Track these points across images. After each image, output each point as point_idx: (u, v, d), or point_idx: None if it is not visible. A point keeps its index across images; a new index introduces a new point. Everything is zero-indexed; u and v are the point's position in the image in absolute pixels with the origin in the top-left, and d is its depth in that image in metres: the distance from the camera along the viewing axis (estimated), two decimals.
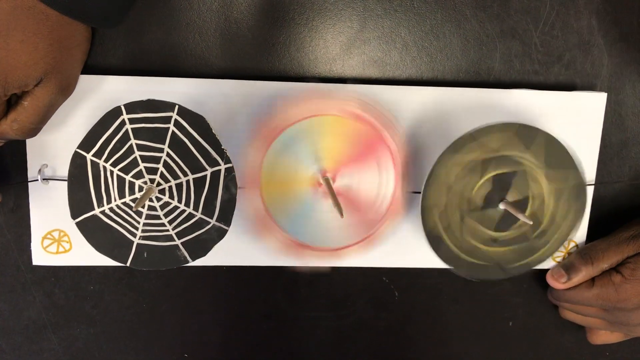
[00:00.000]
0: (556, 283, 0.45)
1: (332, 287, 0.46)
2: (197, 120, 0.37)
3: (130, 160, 0.38)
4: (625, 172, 0.46)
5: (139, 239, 0.39)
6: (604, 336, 0.47)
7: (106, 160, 0.38)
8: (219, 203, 0.39)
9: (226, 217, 0.39)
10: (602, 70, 0.45)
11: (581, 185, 0.42)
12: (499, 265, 0.42)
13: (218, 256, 0.43)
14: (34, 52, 0.34)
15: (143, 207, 0.39)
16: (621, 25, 0.44)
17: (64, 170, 0.41)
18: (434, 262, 0.43)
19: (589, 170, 0.45)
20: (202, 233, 0.39)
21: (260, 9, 0.41)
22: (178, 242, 0.39)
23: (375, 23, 0.42)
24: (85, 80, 0.40)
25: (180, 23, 0.41)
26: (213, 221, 0.39)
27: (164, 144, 0.38)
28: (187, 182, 0.39)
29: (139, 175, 0.38)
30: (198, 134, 0.38)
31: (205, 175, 0.38)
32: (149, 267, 0.40)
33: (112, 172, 0.38)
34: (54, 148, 0.41)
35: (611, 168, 0.46)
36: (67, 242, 0.42)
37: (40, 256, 0.42)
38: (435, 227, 0.41)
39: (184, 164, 0.38)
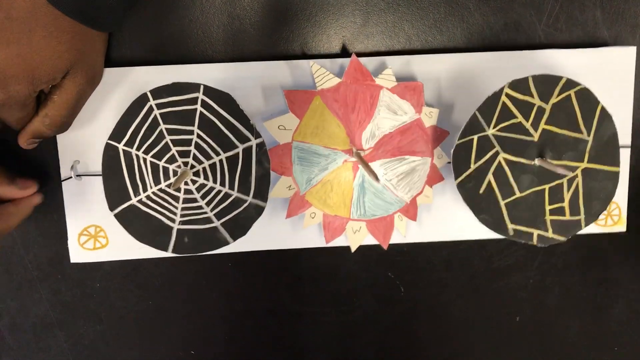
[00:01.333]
0: None
1: (336, 283, 0.46)
2: (223, 98, 0.37)
3: (162, 146, 0.38)
4: None
5: (178, 224, 0.39)
6: None
7: (138, 149, 0.38)
8: (254, 180, 0.39)
9: (262, 193, 0.39)
10: None
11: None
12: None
13: (253, 241, 0.43)
14: (57, 46, 0.34)
15: (179, 191, 0.39)
16: (626, 18, 0.44)
17: (95, 165, 0.41)
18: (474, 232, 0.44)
19: (624, 132, 0.44)
20: (240, 212, 0.39)
21: (263, 6, 0.41)
22: (217, 223, 0.39)
23: (378, 17, 0.42)
24: (108, 73, 0.40)
25: (183, 20, 0.41)
26: (250, 198, 0.39)
27: (193, 125, 0.38)
28: (220, 161, 0.39)
29: (172, 160, 0.38)
30: (226, 112, 0.38)
31: (238, 153, 0.38)
32: (192, 252, 0.39)
33: (145, 160, 0.39)
34: (84, 144, 0.41)
35: None
36: (104, 237, 0.43)
37: (78, 253, 0.43)
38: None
39: (215, 144, 0.38)
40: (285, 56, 0.42)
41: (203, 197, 0.39)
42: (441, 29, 0.43)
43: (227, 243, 0.39)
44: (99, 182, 0.40)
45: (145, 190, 0.39)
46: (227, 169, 0.39)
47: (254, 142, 0.38)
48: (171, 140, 0.38)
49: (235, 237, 0.39)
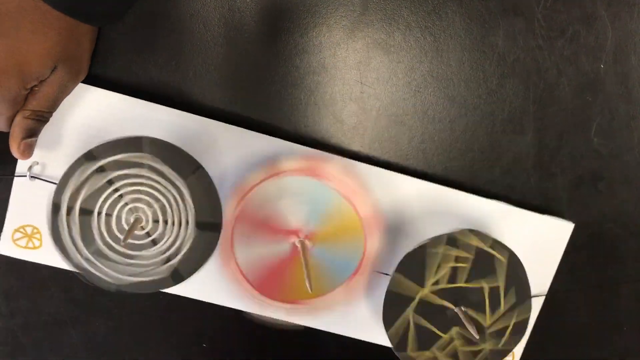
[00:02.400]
0: None
1: None
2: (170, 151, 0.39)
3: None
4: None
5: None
6: None
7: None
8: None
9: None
10: (607, 43, 0.45)
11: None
12: None
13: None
14: (45, 42, 0.34)
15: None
16: None
17: (51, 171, 0.41)
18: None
19: (543, 283, 0.46)
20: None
21: None
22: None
23: (377, 5, 0.42)
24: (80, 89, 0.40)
25: (184, 14, 0.41)
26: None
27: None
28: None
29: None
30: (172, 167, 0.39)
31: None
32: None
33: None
34: (45, 148, 0.41)
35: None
36: (39, 240, 0.42)
37: (7, 247, 0.42)
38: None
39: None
40: (286, 47, 0.42)
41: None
42: (440, 14, 0.43)
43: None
44: (49, 188, 0.40)
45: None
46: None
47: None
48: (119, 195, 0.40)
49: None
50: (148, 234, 0.40)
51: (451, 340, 0.42)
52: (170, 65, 0.41)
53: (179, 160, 0.39)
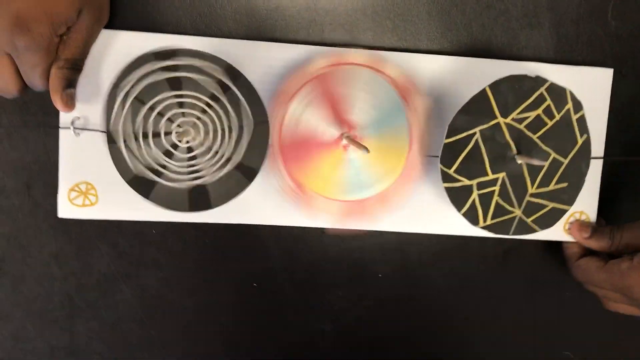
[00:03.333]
0: (576, 233, 0.45)
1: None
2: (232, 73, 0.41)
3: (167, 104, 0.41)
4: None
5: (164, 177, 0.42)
6: (617, 307, 0.45)
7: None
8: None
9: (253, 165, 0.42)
10: None
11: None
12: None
13: (234, 213, 0.44)
14: None
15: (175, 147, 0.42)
16: None
17: (94, 120, 0.42)
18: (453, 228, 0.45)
19: (597, 143, 0.45)
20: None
21: None
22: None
23: None
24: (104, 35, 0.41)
25: None
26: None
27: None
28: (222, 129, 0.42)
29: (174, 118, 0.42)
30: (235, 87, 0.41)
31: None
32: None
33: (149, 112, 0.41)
34: (82, 101, 0.42)
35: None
36: (94, 196, 0.43)
37: (67, 208, 0.43)
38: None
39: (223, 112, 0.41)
40: (299, 25, 0.43)
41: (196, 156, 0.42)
42: None
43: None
44: (96, 137, 0.41)
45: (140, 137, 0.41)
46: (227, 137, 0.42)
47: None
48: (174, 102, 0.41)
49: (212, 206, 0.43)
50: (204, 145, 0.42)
51: (493, 182, 0.41)
52: (185, 2, 0.42)
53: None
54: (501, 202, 0.42)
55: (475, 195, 0.41)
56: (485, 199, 0.42)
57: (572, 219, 0.46)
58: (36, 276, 0.46)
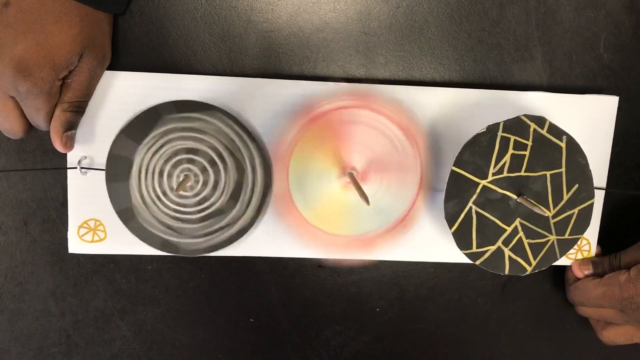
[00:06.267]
0: (578, 272, 0.45)
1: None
2: (233, 119, 0.41)
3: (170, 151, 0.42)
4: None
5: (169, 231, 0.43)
6: (612, 333, 0.44)
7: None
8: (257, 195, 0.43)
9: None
10: None
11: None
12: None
13: (241, 247, 0.44)
14: (69, 30, 0.36)
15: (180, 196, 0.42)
16: None
17: (99, 159, 0.43)
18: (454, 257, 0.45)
19: (600, 174, 0.45)
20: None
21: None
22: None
23: None
24: (108, 77, 0.42)
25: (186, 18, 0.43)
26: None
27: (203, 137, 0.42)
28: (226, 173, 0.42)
29: (177, 165, 0.42)
30: (237, 129, 0.41)
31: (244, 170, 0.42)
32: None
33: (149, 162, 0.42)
34: (87, 141, 0.42)
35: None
36: (102, 232, 0.44)
37: (77, 244, 0.44)
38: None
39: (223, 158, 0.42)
40: (284, 14, 0.43)
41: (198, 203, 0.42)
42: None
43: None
44: (100, 176, 0.42)
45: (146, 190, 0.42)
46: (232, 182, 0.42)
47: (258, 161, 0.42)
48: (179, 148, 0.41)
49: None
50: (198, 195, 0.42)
51: (515, 232, 0.41)
52: (180, 43, 0.43)
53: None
54: (532, 241, 0.42)
55: (507, 252, 0.41)
56: (519, 247, 0.42)
57: (573, 251, 0.45)
58: (33, 312, 0.46)
